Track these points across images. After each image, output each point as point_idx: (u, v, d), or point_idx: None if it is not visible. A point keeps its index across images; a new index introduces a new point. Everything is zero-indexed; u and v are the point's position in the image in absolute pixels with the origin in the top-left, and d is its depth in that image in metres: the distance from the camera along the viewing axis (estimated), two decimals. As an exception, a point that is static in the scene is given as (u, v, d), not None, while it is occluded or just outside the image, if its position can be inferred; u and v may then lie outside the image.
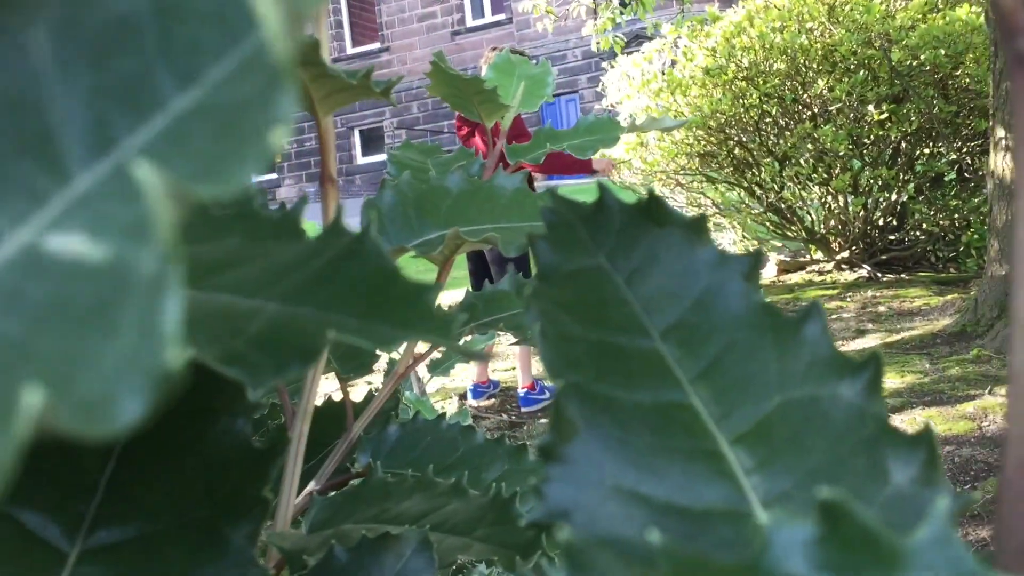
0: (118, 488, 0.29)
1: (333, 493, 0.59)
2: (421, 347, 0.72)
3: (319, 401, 0.74)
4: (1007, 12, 0.19)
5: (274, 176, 25.46)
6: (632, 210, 0.30)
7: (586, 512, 0.25)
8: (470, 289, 0.68)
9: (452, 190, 0.53)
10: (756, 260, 0.29)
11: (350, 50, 24.83)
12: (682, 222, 0.29)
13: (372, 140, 24.22)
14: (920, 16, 6.37)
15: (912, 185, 6.71)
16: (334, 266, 0.22)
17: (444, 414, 0.61)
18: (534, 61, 0.84)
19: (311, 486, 0.60)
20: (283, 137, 0.12)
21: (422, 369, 1.92)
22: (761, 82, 6.74)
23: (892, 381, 4.53)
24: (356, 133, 24.45)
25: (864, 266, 7.13)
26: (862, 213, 6.98)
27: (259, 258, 0.24)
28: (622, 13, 8.93)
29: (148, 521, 0.28)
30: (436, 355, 1.67)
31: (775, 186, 7.11)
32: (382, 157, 23.47)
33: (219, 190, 0.12)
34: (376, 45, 24.42)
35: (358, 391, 1.32)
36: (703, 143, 7.16)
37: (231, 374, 0.19)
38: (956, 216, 6.76)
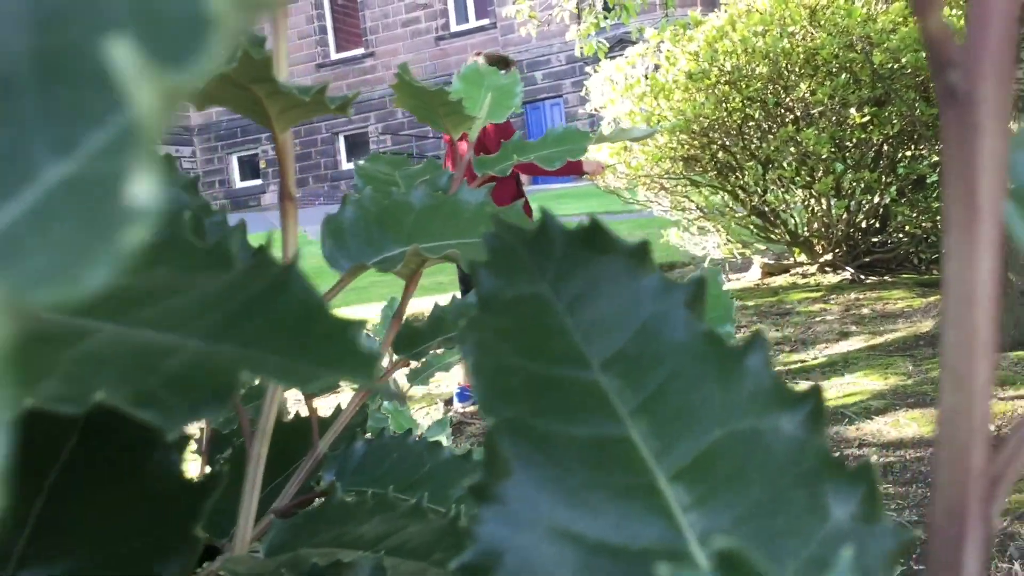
0: (48, 524, 0.28)
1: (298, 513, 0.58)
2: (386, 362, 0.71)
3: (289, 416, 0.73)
4: (937, 42, 0.19)
5: (259, 182, 25.40)
6: (574, 236, 0.29)
7: (519, 554, 0.24)
8: (458, 295, 0.67)
9: (415, 205, 0.53)
10: (700, 288, 0.28)
11: (334, 55, 24.81)
12: (624, 249, 0.29)
13: (357, 146, 24.19)
14: (901, 19, 6.40)
15: (894, 187, 6.74)
16: (259, 300, 0.22)
17: (410, 430, 0.61)
18: (506, 70, 0.84)
19: (276, 504, 0.60)
20: (144, 231, 0.11)
21: (401, 378, 1.91)
22: (744, 86, 6.76)
23: (875, 383, 4.54)
24: (341, 139, 24.42)
25: (847, 268, 7.16)
26: (845, 216, 7.01)
27: (186, 290, 0.23)
28: (606, 18, 8.94)
29: (77, 559, 0.27)
30: (415, 365, 1.66)
31: (758, 189, 7.13)
32: (367, 162, 23.35)
33: (68, 294, 0.11)
34: (360, 50, 24.40)
35: (344, 397, 1.31)
36: (687, 147, 7.17)
37: (142, 416, 0.19)
38: (938, 218, 6.79)
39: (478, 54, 5.22)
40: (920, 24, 0.19)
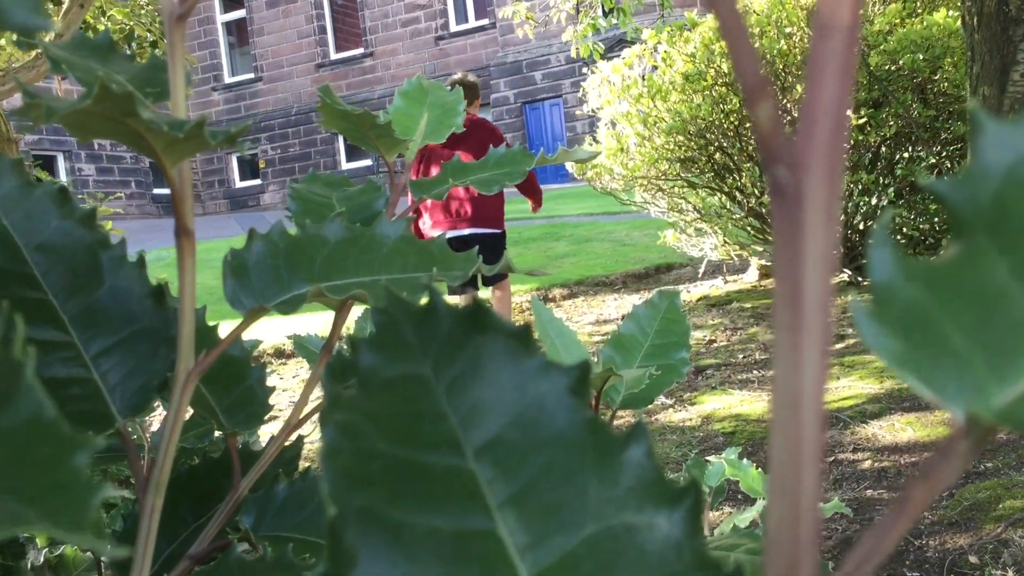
0: None
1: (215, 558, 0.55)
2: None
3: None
4: (765, 134, 0.16)
5: (258, 182, 25.39)
6: (459, 315, 0.27)
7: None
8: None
9: (329, 239, 0.50)
10: (584, 373, 0.26)
11: (334, 55, 24.79)
12: (507, 330, 0.27)
13: (357, 146, 24.16)
14: (898, 20, 6.37)
15: (892, 189, 6.71)
16: None
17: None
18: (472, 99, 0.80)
19: (194, 548, 0.57)
20: None
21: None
22: (740, 87, 6.72)
23: (871, 387, 4.51)
24: (340, 139, 24.40)
25: (844, 270, 7.12)
26: (842, 217, 6.98)
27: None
28: (603, 20, 8.91)
29: None
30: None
31: (755, 191, 7.10)
32: (367, 162, 23.45)
33: None
34: (360, 50, 24.39)
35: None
36: (684, 148, 7.15)
37: None
38: (936, 220, 6.76)
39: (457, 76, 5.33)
40: (749, 114, 0.16)
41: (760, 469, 1.20)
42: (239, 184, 25.92)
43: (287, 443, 0.65)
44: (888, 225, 0.17)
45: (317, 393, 0.65)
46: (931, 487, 0.16)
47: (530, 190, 5.75)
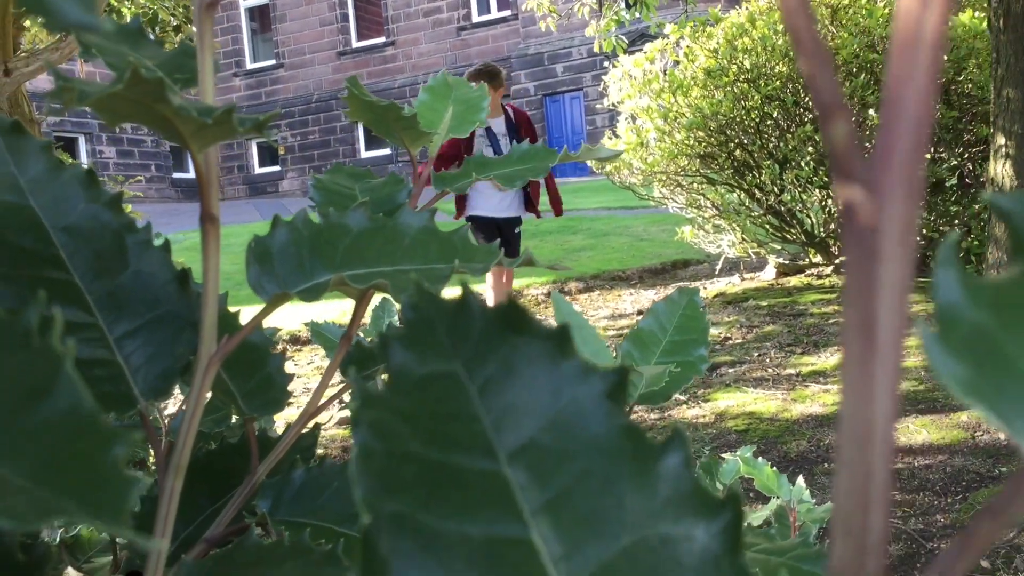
0: None
1: (225, 550, 0.55)
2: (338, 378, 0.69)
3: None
4: (839, 154, 0.15)
5: (278, 168, 25.45)
6: (493, 314, 0.27)
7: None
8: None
9: (352, 228, 0.50)
10: (622, 378, 0.25)
11: (355, 44, 24.81)
12: (544, 332, 0.26)
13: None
14: (924, 20, 6.31)
15: (913, 190, 6.66)
16: (22, 402, 0.19)
17: (352, 460, 0.58)
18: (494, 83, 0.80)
19: (210, 532, 0.57)
20: None
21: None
22: (763, 84, 6.70)
23: (887, 389, 4.49)
24: (360, 127, 24.42)
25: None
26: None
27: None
28: (626, 13, 8.87)
29: None
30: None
31: (775, 189, 7.07)
32: (387, 151, 23.47)
33: None
34: (381, 39, 24.39)
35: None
36: (704, 144, 7.12)
37: None
38: (956, 222, 6.72)
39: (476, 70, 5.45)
40: (823, 132, 0.16)
41: (775, 468, 1.19)
42: (258, 170, 26.00)
43: (304, 430, 0.65)
44: (953, 246, 0.17)
45: (335, 378, 0.65)
46: (999, 523, 0.16)
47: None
